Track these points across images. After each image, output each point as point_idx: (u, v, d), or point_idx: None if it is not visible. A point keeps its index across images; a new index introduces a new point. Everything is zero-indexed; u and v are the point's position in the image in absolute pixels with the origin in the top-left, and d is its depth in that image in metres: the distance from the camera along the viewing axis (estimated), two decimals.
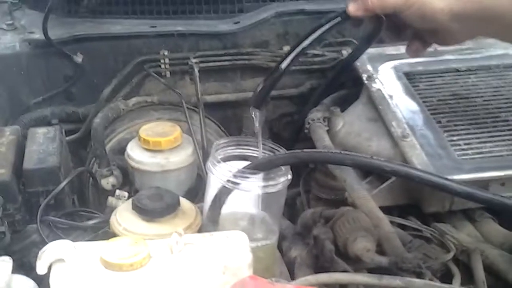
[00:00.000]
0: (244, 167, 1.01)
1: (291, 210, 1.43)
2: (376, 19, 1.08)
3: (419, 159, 1.15)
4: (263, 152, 1.07)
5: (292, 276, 1.08)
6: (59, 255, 0.86)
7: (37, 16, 1.56)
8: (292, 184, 1.35)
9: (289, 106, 1.64)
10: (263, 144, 1.08)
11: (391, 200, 1.20)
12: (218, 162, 1.02)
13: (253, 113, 1.11)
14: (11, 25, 1.58)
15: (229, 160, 1.06)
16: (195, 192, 1.36)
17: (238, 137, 1.22)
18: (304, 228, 1.19)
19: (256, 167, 1.01)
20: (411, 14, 1.03)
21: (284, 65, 1.07)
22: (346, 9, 1.08)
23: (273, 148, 1.08)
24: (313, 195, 1.39)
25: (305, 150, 1.05)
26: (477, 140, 1.19)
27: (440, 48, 1.41)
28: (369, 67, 1.40)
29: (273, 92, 1.55)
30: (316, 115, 1.36)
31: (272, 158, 1.04)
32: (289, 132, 1.59)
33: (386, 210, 1.13)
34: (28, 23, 1.60)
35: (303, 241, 1.18)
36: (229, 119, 1.62)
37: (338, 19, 1.09)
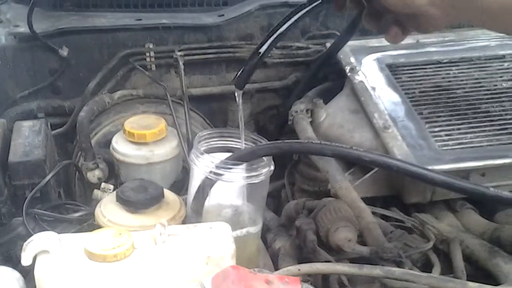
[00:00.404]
0: (227, 158, 1.02)
1: (276, 202, 1.44)
2: (357, 3, 1.07)
3: (400, 150, 1.16)
4: (245, 144, 1.07)
5: (276, 268, 1.09)
6: (43, 246, 0.87)
7: (22, 9, 1.56)
8: (277, 177, 1.36)
9: (274, 99, 1.65)
10: (245, 135, 1.08)
11: (373, 191, 1.21)
12: (201, 153, 1.02)
13: (235, 93, 1.10)
14: None
15: (212, 152, 1.06)
16: (181, 184, 1.37)
17: (221, 128, 1.22)
18: (288, 220, 1.20)
19: (239, 158, 1.01)
20: None
21: (263, 49, 1.05)
22: None
23: (255, 139, 1.08)
24: (297, 187, 1.40)
25: (286, 140, 1.06)
26: (458, 131, 1.21)
27: (423, 40, 1.43)
28: (352, 60, 1.41)
29: (258, 85, 1.59)
30: (299, 107, 1.37)
31: (254, 149, 1.05)
32: (274, 124, 1.60)
33: (369, 201, 1.15)
34: (14, 16, 1.59)
35: (287, 233, 1.19)
36: (214, 112, 1.63)
37: (319, 1, 1.09)
